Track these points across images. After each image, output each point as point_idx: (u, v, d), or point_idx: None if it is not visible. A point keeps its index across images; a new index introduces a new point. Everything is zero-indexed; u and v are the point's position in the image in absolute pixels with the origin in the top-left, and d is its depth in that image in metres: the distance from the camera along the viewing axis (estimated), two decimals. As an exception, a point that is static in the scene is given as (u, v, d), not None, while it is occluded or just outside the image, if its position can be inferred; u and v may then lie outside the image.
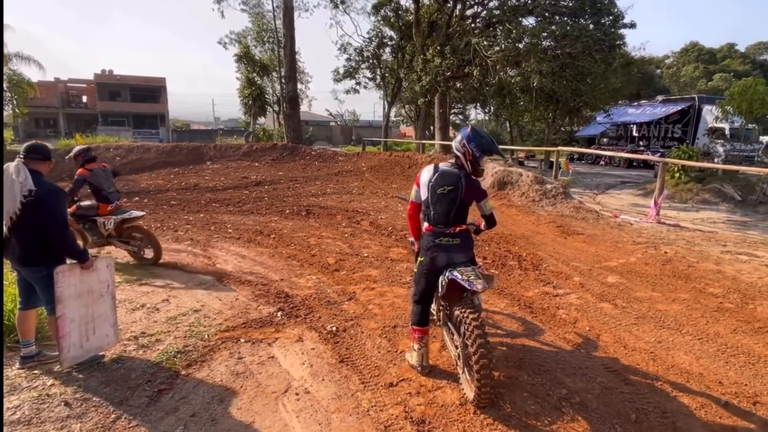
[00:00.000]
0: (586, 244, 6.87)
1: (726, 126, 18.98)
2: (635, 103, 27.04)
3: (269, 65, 28.15)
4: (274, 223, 8.08)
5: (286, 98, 21.96)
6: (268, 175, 14.87)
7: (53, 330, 3.09)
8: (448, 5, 19.30)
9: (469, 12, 19.87)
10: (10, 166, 2.83)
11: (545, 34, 15.78)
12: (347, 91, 28.66)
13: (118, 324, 3.46)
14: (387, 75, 27.44)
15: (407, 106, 31.14)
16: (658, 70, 43.57)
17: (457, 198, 2.88)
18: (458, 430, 2.56)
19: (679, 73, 42.65)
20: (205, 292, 4.62)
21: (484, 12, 19.39)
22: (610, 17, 16.31)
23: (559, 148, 15.04)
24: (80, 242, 4.82)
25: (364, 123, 54.15)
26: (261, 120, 32.89)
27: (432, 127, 25.35)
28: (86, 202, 5.40)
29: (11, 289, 3.44)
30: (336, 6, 25.64)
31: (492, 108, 29.00)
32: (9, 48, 23.21)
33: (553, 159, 14.40)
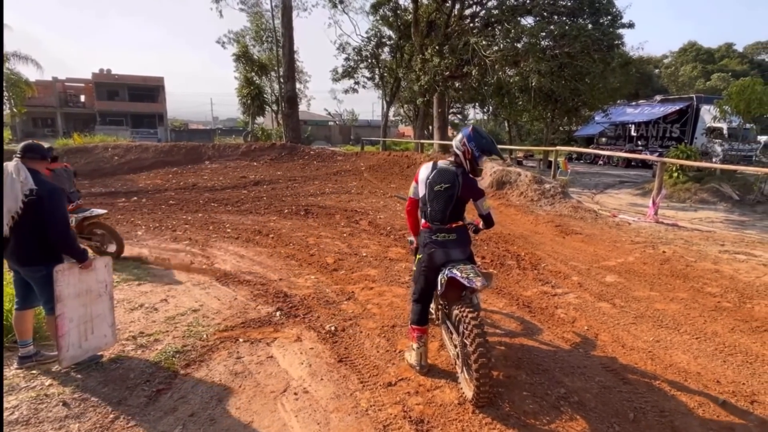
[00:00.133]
0: (585, 244, 6.88)
1: (724, 126, 19.01)
2: (634, 103, 27.05)
3: (268, 65, 28.13)
4: (272, 222, 8.07)
5: (285, 98, 21.95)
6: (266, 174, 14.85)
7: (52, 330, 3.09)
8: (447, 5, 19.30)
9: (467, 11, 19.86)
10: (9, 166, 2.82)
11: (544, 33, 15.78)
12: (346, 91, 28.62)
13: (117, 324, 3.45)
14: (385, 74, 27.42)
15: (406, 105, 31.11)
16: (657, 70, 43.61)
17: (454, 195, 2.89)
18: (457, 429, 2.57)
19: (677, 72, 42.71)
20: (204, 292, 4.62)
21: (483, 11, 19.39)
22: (609, 17, 16.33)
23: (558, 147, 15.05)
24: None
25: (362, 122, 54.13)
26: (259, 119, 32.86)
27: (431, 127, 25.38)
28: None
29: (8, 289, 3.43)
30: (334, 5, 25.60)
31: (490, 107, 29.01)
32: (6, 47, 23.19)
33: (551, 159, 14.41)
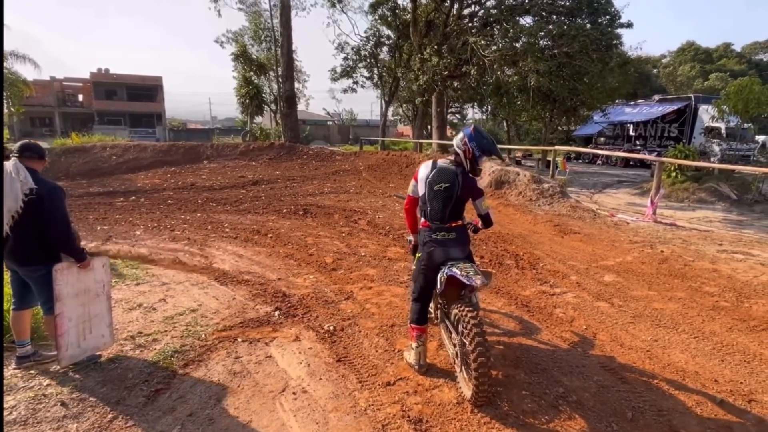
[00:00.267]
0: (583, 243, 6.89)
1: (722, 125, 19.04)
2: (632, 103, 27.09)
3: (266, 64, 28.06)
4: (271, 222, 8.07)
5: (284, 97, 21.92)
6: (265, 174, 14.83)
7: (50, 329, 3.08)
8: (446, 4, 19.30)
9: (466, 11, 19.86)
10: (8, 165, 2.81)
11: (542, 33, 15.80)
12: (344, 90, 28.58)
13: (115, 324, 3.45)
14: (384, 74, 27.41)
15: (404, 105, 31.10)
16: (655, 70, 43.67)
17: (453, 195, 2.89)
18: (455, 428, 2.57)
19: (675, 72, 42.80)
20: (202, 292, 4.61)
21: (482, 11, 19.39)
22: (607, 17, 16.37)
23: (556, 147, 15.05)
24: None
25: (361, 122, 54.10)
26: (258, 119, 32.78)
27: (429, 127, 25.38)
28: None
29: (6, 289, 3.42)
30: (333, 5, 25.57)
31: (489, 107, 28.99)
32: (5, 46, 23.11)
33: (550, 158, 14.42)
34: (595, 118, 24.81)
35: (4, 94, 22.67)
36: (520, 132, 31.95)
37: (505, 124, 29.70)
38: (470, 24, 19.36)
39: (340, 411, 2.72)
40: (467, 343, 2.61)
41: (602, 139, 28.99)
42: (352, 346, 3.52)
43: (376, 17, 24.57)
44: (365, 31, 26.82)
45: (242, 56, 26.88)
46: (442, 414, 2.69)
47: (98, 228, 7.41)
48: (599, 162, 24.23)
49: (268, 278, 5.08)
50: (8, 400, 2.74)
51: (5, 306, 3.37)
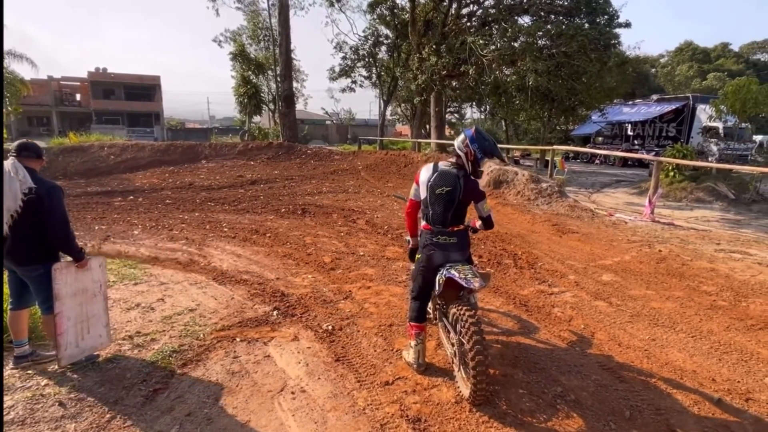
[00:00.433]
0: (581, 243, 6.91)
1: (720, 125, 19.11)
2: (630, 102, 27.16)
3: (265, 63, 28.03)
4: (269, 222, 8.06)
5: (282, 97, 21.90)
6: (263, 173, 14.81)
7: (49, 329, 3.07)
8: (444, 4, 19.30)
9: (464, 11, 19.87)
10: (7, 165, 2.81)
11: (541, 33, 15.83)
12: (343, 90, 28.58)
13: (113, 324, 3.44)
14: (383, 73, 27.41)
15: (403, 104, 31.13)
16: (653, 70, 43.78)
17: (455, 199, 2.88)
18: (454, 428, 2.57)
19: (673, 72, 42.91)
20: (201, 291, 4.60)
21: (480, 11, 19.40)
22: (605, 16, 16.41)
23: (555, 147, 15.08)
24: None
25: (359, 122, 54.09)
26: (256, 119, 32.77)
27: (428, 126, 25.38)
28: None
29: (4, 289, 3.41)
30: (331, 4, 25.55)
31: (488, 107, 29.03)
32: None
33: (548, 158, 14.43)
34: (593, 117, 24.85)
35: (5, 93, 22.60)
36: (519, 131, 31.99)
37: (503, 123, 29.70)
38: (469, 23, 19.37)
39: (339, 410, 2.72)
40: (465, 342, 2.61)
41: (600, 138, 29.06)
42: (350, 346, 3.53)
43: (375, 16, 24.55)
44: (364, 31, 26.83)
45: (240, 55, 26.84)
46: (440, 413, 2.69)
47: (96, 227, 7.39)
48: (597, 161, 24.28)
49: (267, 278, 5.08)
50: (6, 400, 2.73)
51: (4, 306, 3.37)
